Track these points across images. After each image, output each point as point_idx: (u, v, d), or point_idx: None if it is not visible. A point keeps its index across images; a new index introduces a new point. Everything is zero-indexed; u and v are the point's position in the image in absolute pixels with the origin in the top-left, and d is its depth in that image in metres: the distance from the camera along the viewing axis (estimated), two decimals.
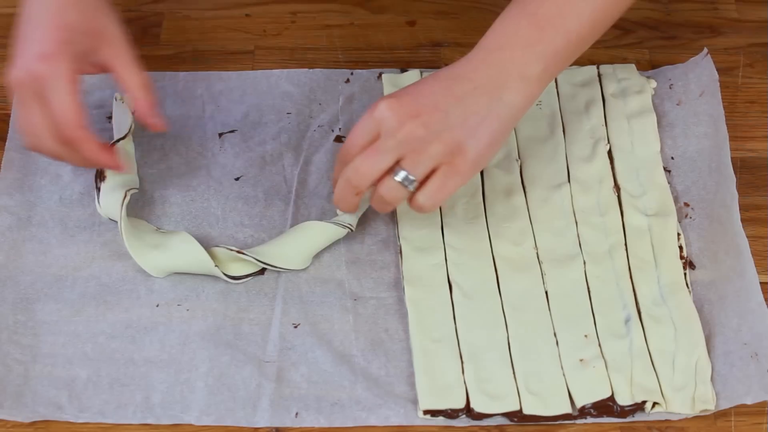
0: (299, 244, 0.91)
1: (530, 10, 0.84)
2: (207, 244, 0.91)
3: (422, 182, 0.84)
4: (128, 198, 0.91)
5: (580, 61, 1.04)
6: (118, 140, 0.93)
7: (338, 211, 0.93)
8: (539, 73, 0.84)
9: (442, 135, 0.82)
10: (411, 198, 0.85)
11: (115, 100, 0.97)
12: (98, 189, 0.93)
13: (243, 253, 0.90)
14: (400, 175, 0.83)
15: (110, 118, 0.99)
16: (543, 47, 0.83)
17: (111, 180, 0.93)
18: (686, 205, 0.96)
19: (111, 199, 0.92)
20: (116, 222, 0.92)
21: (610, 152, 0.98)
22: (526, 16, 0.84)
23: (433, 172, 0.83)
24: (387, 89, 1.01)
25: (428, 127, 0.82)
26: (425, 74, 0.99)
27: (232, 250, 0.90)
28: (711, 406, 0.85)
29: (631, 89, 1.01)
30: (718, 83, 1.01)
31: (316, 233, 0.91)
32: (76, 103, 0.85)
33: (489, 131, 0.83)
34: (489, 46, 0.84)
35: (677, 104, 1.02)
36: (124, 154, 0.94)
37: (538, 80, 0.84)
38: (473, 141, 0.83)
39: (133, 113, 0.93)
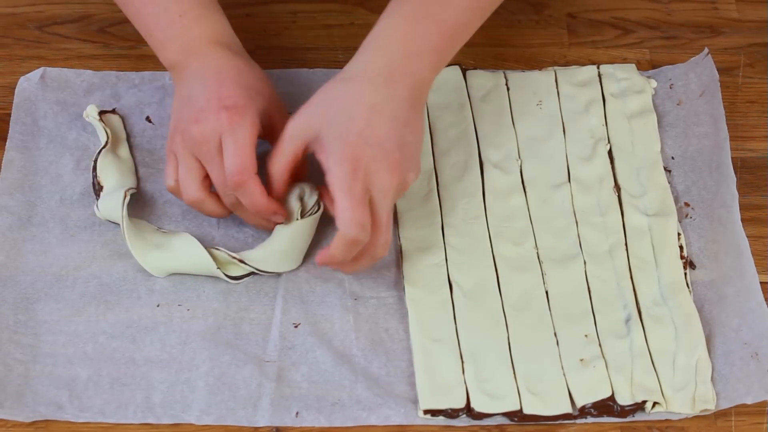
0: (292, 245, 0.91)
1: (433, 14, 0.87)
2: (208, 244, 0.91)
3: None
4: (128, 198, 0.91)
5: (581, 61, 1.05)
6: (100, 151, 0.94)
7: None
8: (434, 76, 0.89)
9: (413, 165, 0.86)
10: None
11: (87, 116, 0.97)
12: (97, 194, 0.93)
13: (243, 262, 0.90)
14: None
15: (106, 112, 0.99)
16: (445, 54, 0.89)
17: (109, 184, 0.93)
18: (686, 204, 0.96)
19: (111, 201, 0.92)
20: (116, 223, 0.92)
21: (610, 152, 0.98)
22: (431, 21, 0.87)
23: None
24: None
25: (403, 168, 0.85)
26: None
27: (233, 257, 0.90)
28: (711, 406, 0.85)
29: (632, 89, 1.02)
30: (719, 83, 1.01)
31: (306, 230, 0.91)
32: (252, 151, 0.85)
33: (422, 132, 0.89)
34: (398, 51, 0.87)
35: (677, 104, 1.02)
36: (118, 161, 0.95)
37: (432, 81, 0.89)
38: (420, 149, 0.88)
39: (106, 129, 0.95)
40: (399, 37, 0.87)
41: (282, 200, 0.90)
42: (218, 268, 0.90)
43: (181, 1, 0.91)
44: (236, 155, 0.85)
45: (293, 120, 0.87)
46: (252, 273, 0.91)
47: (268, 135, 0.90)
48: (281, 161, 0.87)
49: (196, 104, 0.87)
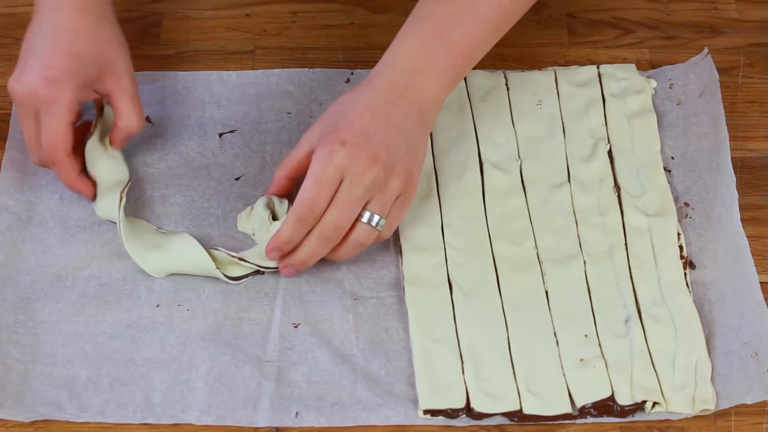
0: None
1: (445, 35, 0.88)
2: (207, 244, 0.92)
3: None
4: (124, 200, 0.91)
5: (580, 61, 1.05)
6: (86, 139, 0.95)
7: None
8: (446, 94, 0.90)
9: (397, 169, 0.86)
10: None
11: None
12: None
13: (243, 260, 0.90)
14: (375, 220, 0.87)
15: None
16: (454, 73, 0.90)
17: (102, 181, 0.93)
18: (686, 204, 0.96)
19: (107, 201, 0.92)
20: (115, 223, 0.92)
21: (610, 152, 0.98)
22: (442, 42, 0.89)
23: None
24: None
25: (387, 167, 0.85)
26: None
27: (233, 256, 0.90)
28: (711, 406, 0.85)
29: (631, 89, 1.02)
30: (718, 83, 1.01)
31: None
32: (65, 131, 0.91)
33: (422, 152, 0.89)
34: (405, 68, 0.88)
35: (677, 104, 1.02)
36: (105, 152, 0.95)
37: (443, 99, 0.90)
38: (416, 165, 0.88)
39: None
40: (407, 57, 0.88)
41: (277, 194, 0.92)
42: (217, 268, 0.90)
43: None
44: (49, 133, 0.90)
45: (306, 132, 0.89)
46: (251, 275, 0.92)
47: (108, 97, 0.94)
48: (285, 167, 0.90)
49: (28, 60, 0.90)
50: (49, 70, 0.89)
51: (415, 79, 0.88)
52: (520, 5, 0.91)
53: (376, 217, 0.87)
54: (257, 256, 0.91)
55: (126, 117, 0.93)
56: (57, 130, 0.90)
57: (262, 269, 0.91)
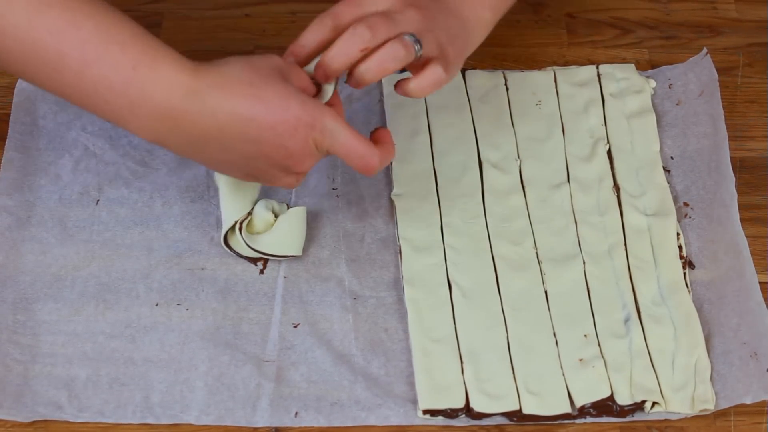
0: (291, 231, 0.92)
1: None
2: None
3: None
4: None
5: (580, 61, 1.05)
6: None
7: None
8: (492, 15, 0.90)
9: (435, 31, 0.84)
10: (405, 84, 0.85)
11: None
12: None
13: (254, 249, 0.91)
14: (411, 38, 0.82)
15: None
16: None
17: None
18: (686, 204, 0.96)
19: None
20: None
21: (609, 152, 0.98)
22: None
23: (427, 62, 0.85)
24: (387, 89, 1.01)
25: (427, 21, 0.84)
26: None
27: (245, 242, 0.90)
28: (710, 406, 0.85)
29: (631, 89, 1.02)
30: (718, 83, 1.01)
31: (299, 217, 0.92)
32: None
33: (463, 44, 0.88)
34: None
35: (677, 104, 1.02)
36: None
37: (493, 12, 0.89)
38: (452, 48, 0.85)
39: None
40: None
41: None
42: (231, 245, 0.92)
43: (127, 49, 0.81)
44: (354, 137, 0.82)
45: None
46: (247, 258, 0.92)
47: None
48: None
49: (273, 131, 0.80)
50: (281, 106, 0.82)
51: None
52: None
53: (412, 37, 0.85)
54: (264, 244, 0.91)
55: None
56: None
57: (268, 257, 0.92)
